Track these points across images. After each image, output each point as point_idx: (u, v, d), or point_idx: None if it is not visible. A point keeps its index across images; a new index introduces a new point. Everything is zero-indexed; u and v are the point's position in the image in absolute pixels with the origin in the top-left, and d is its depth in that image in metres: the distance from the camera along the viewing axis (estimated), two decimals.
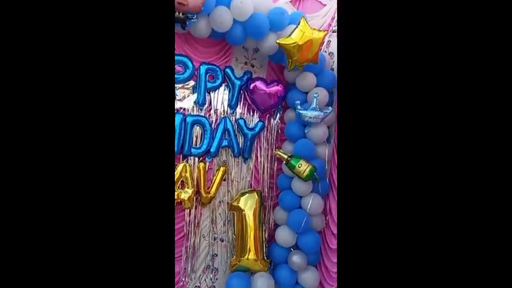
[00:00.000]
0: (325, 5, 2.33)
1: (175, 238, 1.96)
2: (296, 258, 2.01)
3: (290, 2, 2.32)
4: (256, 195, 2.09)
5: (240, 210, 2.05)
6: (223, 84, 2.11)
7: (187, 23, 1.78)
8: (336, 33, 2.26)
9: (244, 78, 2.13)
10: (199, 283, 2.06)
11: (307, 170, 1.93)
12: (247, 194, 2.09)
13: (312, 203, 1.99)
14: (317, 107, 1.98)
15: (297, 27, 1.86)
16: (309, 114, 1.97)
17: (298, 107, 1.99)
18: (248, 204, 2.06)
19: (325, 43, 2.22)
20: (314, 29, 1.89)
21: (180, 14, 1.72)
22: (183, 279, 2.00)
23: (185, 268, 2.00)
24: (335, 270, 2.03)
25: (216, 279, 2.08)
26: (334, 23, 2.27)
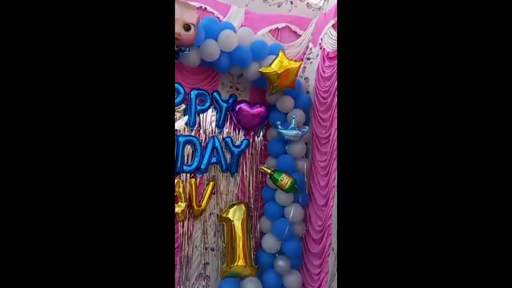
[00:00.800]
0: (300, 35, 2.65)
1: None
2: (281, 263, 2.23)
3: (270, 32, 2.62)
4: (243, 207, 2.30)
5: (229, 221, 2.24)
6: (211, 107, 2.33)
7: (180, 54, 2.00)
8: (310, 60, 2.57)
9: (230, 101, 2.36)
10: None
11: (289, 182, 2.17)
12: (235, 206, 2.29)
13: (294, 212, 2.23)
14: (296, 127, 2.24)
15: (276, 58, 2.13)
16: (289, 133, 2.23)
17: (279, 127, 2.25)
18: (236, 215, 2.26)
19: (301, 69, 2.52)
20: (291, 60, 2.17)
21: (175, 47, 1.94)
22: None
23: (179, 277, 2.15)
24: (316, 272, 2.26)
25: (208, 286, 2.24)
26: (308, 51, 2.59)
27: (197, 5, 2.17)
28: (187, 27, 1.91)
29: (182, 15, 1.89)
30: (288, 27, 2.61)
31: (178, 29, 1.89)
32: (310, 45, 2.56)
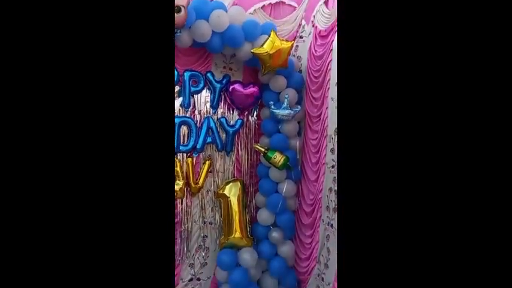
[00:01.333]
0: (294, 8, 2.61)
1: None
2: (275, 234, 2.39)
3: (262, 8, 2.59)
4: (239, 184, 2.41)
5: (225, 197, 2.37)
6: (205, 88, 2.37)
7: None
8: (303, 39, 2.57)
9: (224, 82, 2.40)
10: (193, 261, 2.39)
11: (282, 160, 2.28)
12: (231, 183, 2.41)
13: (287, 187, 2.35)
14: (288, 106, 2.30)
15: (268, 38, 2.14)
16: (282, 112, 2.29)
17: (272, 106, 2.31)
18: (232, 192, 2.38)
19: (293, 48, 2.52)
20: (282, 40, 2.18)
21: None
22: (179, 259, 2.32)
23: (180, 249, 2.32)
24: (307, 242, 2.44)
25: (208, 256, 2.42)
26: (301, 29, 2.57)
27: None
28: (177, 9, 1.90)
29: None
30: (282, 1, 2.58)
31: None
32: (303, 22, 2.55)
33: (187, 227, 2.34)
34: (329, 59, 2.20)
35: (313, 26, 2.43)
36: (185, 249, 2.33)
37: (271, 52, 2.12)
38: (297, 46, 2.55)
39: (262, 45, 2.14)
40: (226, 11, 2.14)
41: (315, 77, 2.36)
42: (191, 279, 2.37)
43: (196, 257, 2.39)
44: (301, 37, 2.55)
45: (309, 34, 2.48)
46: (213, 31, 2.12)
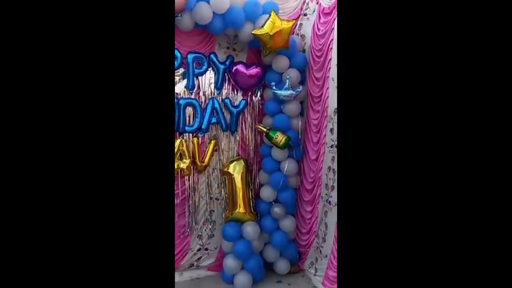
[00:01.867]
0: None
1: (180, 199, 2.44)
2: (277, 210, 2.52)
3: None
4: (243, 162, 2.53)
5: (230, 174, 2.50)
6: (209, 69, 2.42)
7: None
8: (307, 16, 2.52)
9: (227, 63, 2.44)
10: (201, 232, 2.58)
11: (283, 140, 2.35)
12: (236, 161, 2.52)
13: (288, 166, 2.44)
14: (290, 87, 2.33)
15: (268, 18, 2.13)
16: (283, 93, 2.33)
17: (274, 87, 2.34)
18: (236, 170, 2.50)
19: (297, 26, 2.50)
20: (283, 20, 2.16)
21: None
22: (187, 230, 2.53)
23: (188, 222, 2.51)
24: (308, 217, 2.56)
25: (214, 229, 2.60)
26: (305, 6, 2.52)
27: None
28: None
29: None
30: None
31: None
32: None
33: (195, 202, 2.51)
34: (330, 38, 2.18)
35: (317, 3, 2.38)
36: (193, 222, 2.52)
37: (271, 33, 2.13)
38: (300, 24, 2.52)
39: (262, 26, 2.14)
40: None
41: (317, 57, 2.35)
42: (199, 249, 2.59)
43: (204, 229, 2.58)
44: (305, 15, 2.51)
45: (313, 11, 2.43)
46: (214, 13, 2.14)
